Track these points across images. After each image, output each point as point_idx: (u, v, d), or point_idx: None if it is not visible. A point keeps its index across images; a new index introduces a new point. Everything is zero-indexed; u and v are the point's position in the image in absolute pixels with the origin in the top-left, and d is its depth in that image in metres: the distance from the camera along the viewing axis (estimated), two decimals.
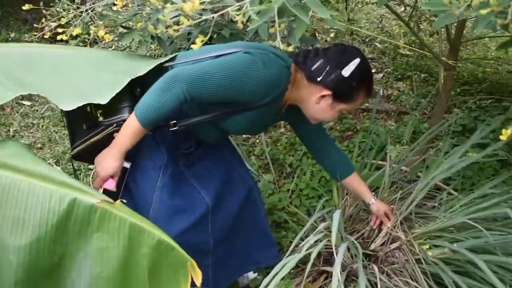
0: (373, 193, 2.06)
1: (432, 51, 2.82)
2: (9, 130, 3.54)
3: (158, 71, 1.57)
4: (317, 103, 1.65)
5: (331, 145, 2.03)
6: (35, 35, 2.48)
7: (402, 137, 3.29)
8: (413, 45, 4.77)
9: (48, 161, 3.16)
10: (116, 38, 2.20)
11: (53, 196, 1.07)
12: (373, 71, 4.38)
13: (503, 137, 1.32)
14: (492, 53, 4.98)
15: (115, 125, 1.59)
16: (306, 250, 1.99)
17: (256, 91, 1.56)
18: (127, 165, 1.65)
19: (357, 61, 1.61)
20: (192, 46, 0.90)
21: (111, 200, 1.12)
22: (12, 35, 4.57)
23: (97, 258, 1.08)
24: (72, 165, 1.76)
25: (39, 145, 3.40)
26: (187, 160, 1.83)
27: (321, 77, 1.61)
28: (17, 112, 3.73)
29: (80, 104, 1.31)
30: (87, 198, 1.09)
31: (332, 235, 1.67)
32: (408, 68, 4.48)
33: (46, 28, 2.16)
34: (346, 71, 1.60)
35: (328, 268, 1.97)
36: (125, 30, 2.16)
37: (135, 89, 1.61)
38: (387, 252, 1.96)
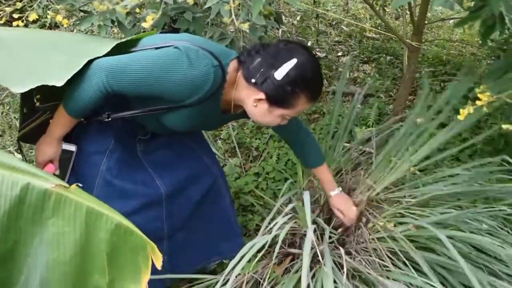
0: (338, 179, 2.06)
1: (397, 33, 2.84)
2: None
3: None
4: (254, 106, 1.52)
5: (305, 133, 1.93)
6: None
7: (368, 119, 3.33)
8: (379, 28, 4.81)
9: (9, 149, 3.09)
10: (77, 22, 2.14)
11: (5, 181, 1.02)
12: (339, 54, 4.44)
13: (460, 117, 1.34)
14: (457, 35, 5.06)
15: (48, 112, 1.59)
16: (274, 232, 2.00)
17: (175, 90, 1.45)
18: (72, 148, 1.62)
19: (292, 62, 1.44)
20: (143, 24, 0.87)
21: (67, 185, 1.09)
22: None
23: (53, 244, 1.05)
24: (20, 147, 1.73)
25: None
26: (146, 146, 1.79)
27: (255, 79, 1.47)
28: None
29: (33, 86, 1.26)
30: (41, 183, 1.05)
31: (307, 217, 1.67)
32: (374, 50, 4.52)
33: (1, 13, 2.09)
34: (279, 74, 1.44)
35: (293, 250, 1.97)
36: (85, 14, 2.10)
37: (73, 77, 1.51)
38: (353, 232, 1.97)
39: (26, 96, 1.59)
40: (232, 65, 1.53)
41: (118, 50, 1.56)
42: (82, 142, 1.66)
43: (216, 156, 2.82)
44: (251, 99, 1.51)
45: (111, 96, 1.45)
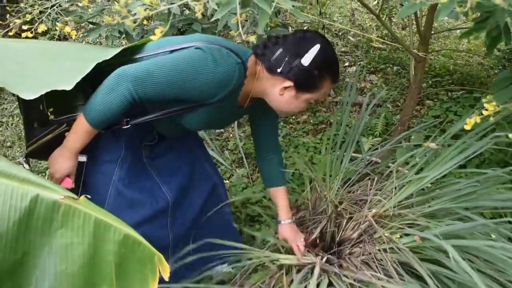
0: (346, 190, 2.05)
1: (404, 43, 2.85)
2: None
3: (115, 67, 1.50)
4: (280, 95, 1.58)
5: (276, 152, 1.97)
6: (0, 33, 2.43)
7: (375, 129, 3.33)
8: (385, 38, 4.82)
9: (18, 160, 3.11)
10: (85, 34, 2.17)
11: (15, 192, 1.04)
12: (346, 64, 4.45)
13: (467, 126, 1.35)
14: (463, 45, 5.05)
15: (65, 124, 1.54)
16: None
17: (204, 90, 1.49)
18: (83, 158, 1.60)
19: (316, 47, 1.52)
20: (151, 37, 0.88)
21: (75, 196, 1.10)
22: None
23: (61, 255, 1.06)
24: (28, 163, 1.69)
25: (8, 144, 3.34)
26: (151, 152, 1.80)
27: (281, 68, 1.54)
28: None
29: (43, 92, 1.26)
30: (50, 195, 1.06)
31: None
32: (381, 61, 4.53)
33: (11, 25, 2.12)
34: (306, 60, 1.52)
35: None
36: (93, 26, 2.13)
37: (86, 88, 1.50)
38: (353, 245, 1.98)
39: (34, 110, 1.57)
40: (251, 60, 1.58)
41: (125, 56, 1.57)
42: (93, 150, 1.64)
43: (224, 166, 2.83)
44: (276, 89, 1.57)
45: (135, 104, 1.46)
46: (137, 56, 1.58)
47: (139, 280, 1.11)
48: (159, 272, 1.11)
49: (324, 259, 1.88)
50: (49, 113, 1.54)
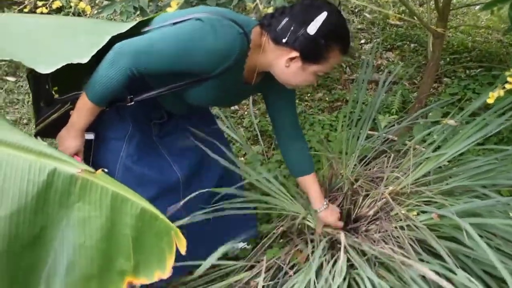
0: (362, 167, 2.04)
1: (422, 19, 2.79)
2: None
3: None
4: (286, 66, 1.51)
5: (298, 135, 1.89)
6: (15, 10, 2.43)
7: (392, 106, 3.30)
8: (402, 14, 4.74)
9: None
10: (100, 10, 2.16)
11: (32, 166, 1.04)
12: (362, 41, 4.39)
13: (490, 100, 1.32)
14: (482, 22, 4.96)
15: (69, 103, 1.54)
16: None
17: (204, 62, 1.44)
18: (91, 136, 1.59)
19: (323, 15, 1.43)
20: (167, 9, 0.87)
21: (92, 170, 1.10)
22: None
23: (79, 229, 1.07)
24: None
25: (25, 121, 3.37)
26: (160, 130, 1.78)
27: (286, 38, 1.46)
28: (1, 88, 3.68)
29: (59, 65, 1.25)
30: (67, 168, 1.06)
31: None
32: (398, 38, 4.46)
33: (26, 1, 2.12)
34: (312, 28, 1.43)
35: (315, 237, 1.97)
36: (107, 2, 2.12)
37: (92, 66, 1.45)
38: (370, 222, 1.97)
39: (41, 89, 1.56)
40: (255, 31, 1.51)
41: (138, 29, 1.55)
42: (99, 128, 1.62)
43: (239, 143, 2.83)
44: (282, 60, 1.50)
45: (135, 79, 1.43)
46: (144, 30, 1.54)
47: (156, 254, 1.12)
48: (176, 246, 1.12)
49: (342, 234, 1.87)
50: (53, 92, 1.54)
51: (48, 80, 1.54)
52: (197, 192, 1.79)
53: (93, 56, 1.32)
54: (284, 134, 1.87)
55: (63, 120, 1.53)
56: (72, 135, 1.51)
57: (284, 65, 1.51)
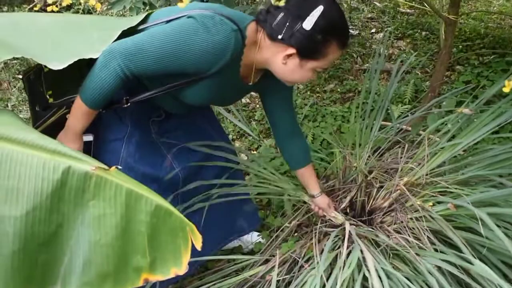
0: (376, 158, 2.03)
1: (433, 6, 2.76)
2: (7, 105, 3.52)
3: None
4: (283, 63, 1.46)
5: (295, 130, 1.88)
6: (26, 8, 2.44)
7: (404, 96, 3.27)
8: (413, 2, 4.69)
9: None
10: (109, 7, 2.16)
11: (47, 165, 1.04)
12: (373, 31, 4.35)
13: (506, 89, 1.30)
14: (495, 7, 4.89)
15: (65, 107, 1.51)
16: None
17: (198, 61, 1.39)
18: (89, 138, 1.57)
19: (319, 9, 1.37)
20: (179, 5, 0.86)
21: (106, 167, 1.10)
22: (5, 9, 4.51)
23: (94, 226, 1.07)
24: None
25: None
26: (159, 128, 1.76)
27: (282, 34, 1.40)
28: (14, 87, 3.70)
29: (71, 61, 1.24)
30: (81, 166, 1.06)
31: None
32: (409, 26, 4.42)
33: (36, 0, 2.13)
34: (308, 24, 1.37)
35: (330, 229, 1.96)
36: None
37: (83, 68, 1.42)
38: (385, 213, 1.96)
39: (36, 94, 1.54)
40: (250, 27, 1.46)
41: (135, 27, 1.52)
42: (98, 130, 1.60)
43: (251, 137, 2.82)
44: (279, 57, 1.46)
45: (128, 81, 1.40)
46: (140, 28, 1.51)
47: (172, 250, 1.11)
48: (192, 242, 1.12)
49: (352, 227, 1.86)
50: (47, 96, 1.51)
51: (42, 84, 1.53)
52: (197, 184, 1.82)
53: (85, 60, 1.31)
54: (281, 130, 1.86)
55: (61, 123, 1.51)
56: (70, 139, 1.48)
57: (281, 62, 1.47)
